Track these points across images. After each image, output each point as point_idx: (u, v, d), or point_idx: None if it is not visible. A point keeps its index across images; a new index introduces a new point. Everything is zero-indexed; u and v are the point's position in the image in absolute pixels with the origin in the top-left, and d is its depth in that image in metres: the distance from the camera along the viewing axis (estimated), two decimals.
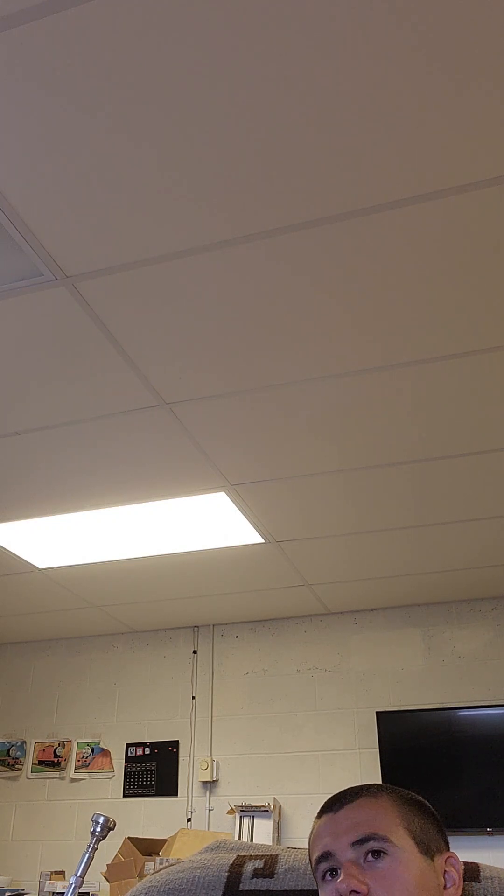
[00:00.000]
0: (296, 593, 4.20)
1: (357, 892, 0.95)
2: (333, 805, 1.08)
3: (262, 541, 3.47)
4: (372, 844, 0.99)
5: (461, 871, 1.04)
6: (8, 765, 4.78)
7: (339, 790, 1.12)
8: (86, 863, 1.92)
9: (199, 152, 1.57)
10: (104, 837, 1.95)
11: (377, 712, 4.15)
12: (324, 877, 1.02)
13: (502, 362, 2.25)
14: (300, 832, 4.11)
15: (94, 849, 1.93)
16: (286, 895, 1.19)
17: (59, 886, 4.00)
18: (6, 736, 4.87)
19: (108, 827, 1.94)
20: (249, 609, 4.46)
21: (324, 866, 1.02)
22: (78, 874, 1.91)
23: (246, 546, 3.54)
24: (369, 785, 1.10)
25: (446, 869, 1.03)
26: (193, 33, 1.34)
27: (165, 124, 1.51)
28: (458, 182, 1.65)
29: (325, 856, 1.02)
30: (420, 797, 1.10)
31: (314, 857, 1.05)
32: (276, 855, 1.27)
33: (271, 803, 4.05)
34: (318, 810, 1.12)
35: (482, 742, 3.91)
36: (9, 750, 4.81)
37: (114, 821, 1.95)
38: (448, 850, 1.06)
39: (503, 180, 1.64)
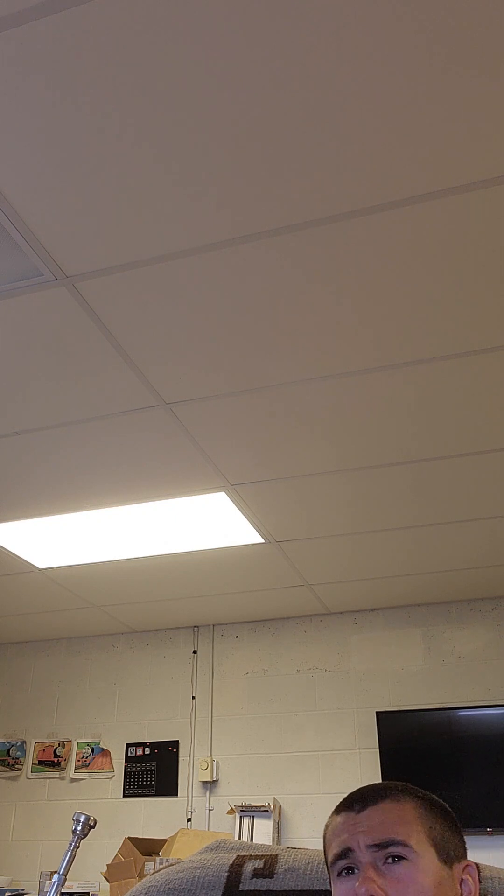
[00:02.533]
0: (296, 593, 4.19)
1: None
2: (354, 804, 1.07)
3: (262, 541, 3.47)
4: (392, 849, 0.99)
5: (478, 881, 1.04)
6: (8, 765, 4.78)
7: (354, 789, 1.11)
8: (68, 861, 1.94)
9: (198, 152, 1.57)
10: (85, 836, 1.96)
11: (377, 712, 4.15)
12: (339, 874, 1.03)
13: (502, 362, 2.25)
14: (300, 832, 4.11)
15: (77, 847, 1.95)
16: (286, 895, 1.19)
17: None
18: (6, 736, 4.87)
19: (90, 825, 1.96)
20: (249, 609, 4.46)
21: (342, 863, 1.03)
22: (61, 872, 1.93)
23: (246, 546, 3.53)
24: (392, 785, 1.08)
25: (463, 877, 1.03)
26: (194, 32, 1.34)
27: (166, 123, 1.51)
28: (458, 182, 1.65)
29: (344, 853, 1.02)
30: (443, 803, 1.09)
31: (331, 853, 1.05)
32: (276, 855, 1.27)
33: (271, 803, 4.05)
34: (336, 806, 1.11)
35: (482, 742, 3.91)
36: (9, 750, 4.81)
37: (94, 819, 1.97)
38: (466, 858, 1.06)
39: (503, 180, 1.64)
